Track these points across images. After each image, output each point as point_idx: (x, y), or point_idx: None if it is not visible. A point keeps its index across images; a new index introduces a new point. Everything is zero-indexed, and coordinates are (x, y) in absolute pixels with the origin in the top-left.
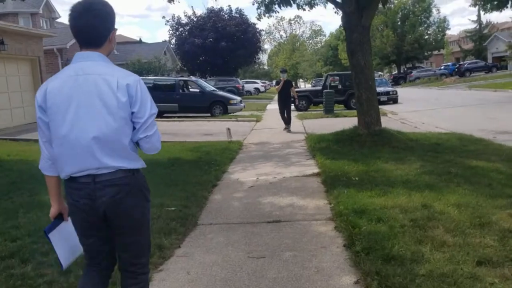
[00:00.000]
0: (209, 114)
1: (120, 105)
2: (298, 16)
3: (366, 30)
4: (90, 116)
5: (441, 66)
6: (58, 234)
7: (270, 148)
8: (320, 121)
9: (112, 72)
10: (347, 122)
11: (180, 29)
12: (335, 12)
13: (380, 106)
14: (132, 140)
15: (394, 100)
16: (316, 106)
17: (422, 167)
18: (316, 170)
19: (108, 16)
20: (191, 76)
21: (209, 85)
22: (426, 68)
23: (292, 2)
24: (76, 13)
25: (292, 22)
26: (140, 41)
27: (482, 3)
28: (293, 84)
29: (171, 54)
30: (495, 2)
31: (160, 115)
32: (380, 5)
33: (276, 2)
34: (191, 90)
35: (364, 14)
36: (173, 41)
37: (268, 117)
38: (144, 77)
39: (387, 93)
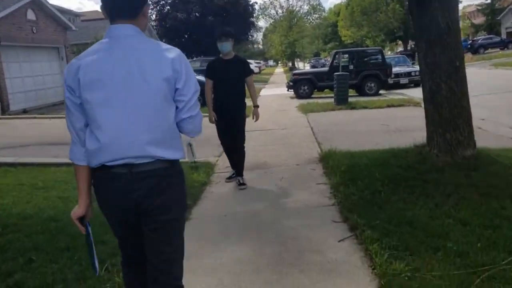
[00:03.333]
0: None
1: (165, 81)
2: None
3: None
4: (131, 94)
5: None
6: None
7: (260, 189)
8: (333, 117)
9: (153, 46)
10: (373, 118)
11: (162, 2)
12: None
13: (401, 91)
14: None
15: (416, 83)
16: (321, 91)
17: None
18: None
19: None
20: None
21: None
22: None
23: None
24: None
25: None
26: None
27: None
28: (251, 71)
29: (152, 31)
30: None
31: None
32: None
33: None
34: None
35: None
36: (153, 16)
37: (262, 108)
38: None
39: (408, 74)
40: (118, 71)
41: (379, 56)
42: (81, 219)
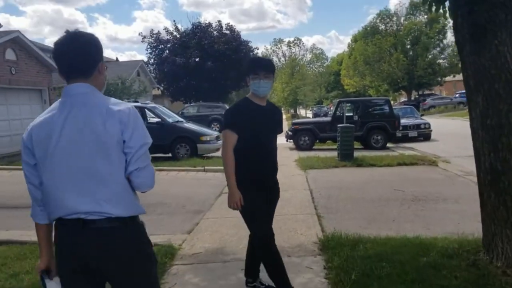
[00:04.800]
0: (170, 155)
1: (111, 134)
2: (298, 39)
3: None
4: (78, 149)
5: (456, 93)
6: None
7: None
8: (336, 176)
9: (102, 101)
10: (384, 180)
11: (160, 47)
12: None
13: (410, 144)
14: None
15: (426, 137)
16: (323, 143)
17: None
18: None
19: (92, 46)
20: (163, 103)
21: (173, 115)
22: (440, 96)
23: None
24: (60, 44)
25: (292, 45)
26: (116, 60)
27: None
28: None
29: (148, 75)
30: None
31: None
32: None
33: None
34: (149, 120)
35: None
36: (151, 60)
37: None
38: None
39: (417, 126)
40: (67, 126)
41: (386, 107)
42: (46, 272)
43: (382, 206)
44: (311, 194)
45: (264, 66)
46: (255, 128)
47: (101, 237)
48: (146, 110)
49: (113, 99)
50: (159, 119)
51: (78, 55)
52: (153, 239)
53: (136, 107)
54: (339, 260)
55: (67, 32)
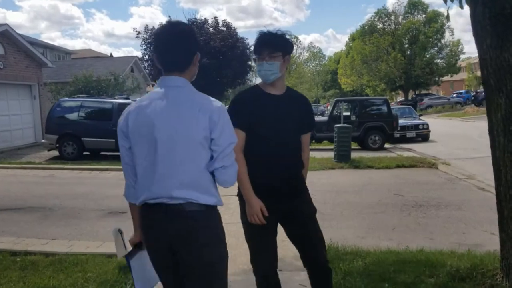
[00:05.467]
0: None
1: (201, 130)
2: (295, 36)
3: None
4: (168, 139)
5: (453, 93)
6: (137, 262)
7: None
8: (333, 179)
9: (196, 96)
10: (383, 184)
11: None
12: None
13: (408, 145)
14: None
15: (424, 137)
16: (319, 143)
17: None
18: None
19: (191, 39)
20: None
21: None
22: (438, 96)
23: None
24: (159, 36)
25: None
26: (111, 56)
27: None
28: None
29: (142, 71)
30: None
31: (94, 153)
32: None
33: None
34: None
35: None
36: (146, 57)
37: None
38: (69, 98)
39: (415, 127)
40: (160, 116)
41: (384, 107)
42: (139, 245)
43: (381, 213)
44: None
45: (267, 43)
46: (265, 123)
47: (185, 219)
48: None
49: (205, 95)
50: None
51: (176, 50)
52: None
53: (122, 102)
54: (337, 277)
55: (168, 22)
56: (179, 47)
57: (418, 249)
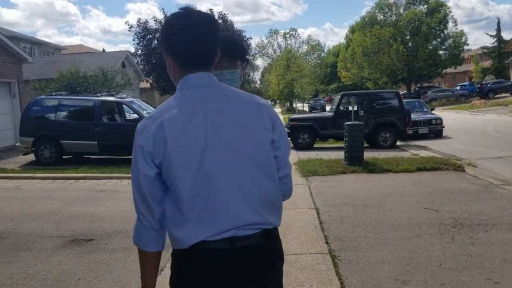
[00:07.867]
0: None
1: (267, 132)
2: (293, 29)
3: None
4: (231, 151)
5: (457, 85)
6: None
7: None
8: (346, 186)
9: (242, 95)
10: (407, 193)
11: (148, 37)
12: None
13: (421, 142)
14: None
15: (438, 133)
16: (324, 141)
17: None
18: None
19: (217, 29)
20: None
21: (152, 109)
22: (442, 88)
23: None
24: (180, 25)
25: (287, 36)
26: (103, 52)
27: None
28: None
29: (134, 67)
30: None
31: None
32: None
33: None
34: (127, 117)
35: None
36: (139, 51)
37: None
38: (46, 96)
39: (428, 122)
40: (210, 123)
41: (396, 101)
42: None
43: (416, 237)
44: (318, 215)
45: (226, 51)
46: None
47: (257, 253)
48: (123, 106)
49: (242, 91)
50: (137, 116)
51: (208, 41)
52: None
53: (105, 100)
54: None
55: (184, 10)
56: (211, 38)
57: None
